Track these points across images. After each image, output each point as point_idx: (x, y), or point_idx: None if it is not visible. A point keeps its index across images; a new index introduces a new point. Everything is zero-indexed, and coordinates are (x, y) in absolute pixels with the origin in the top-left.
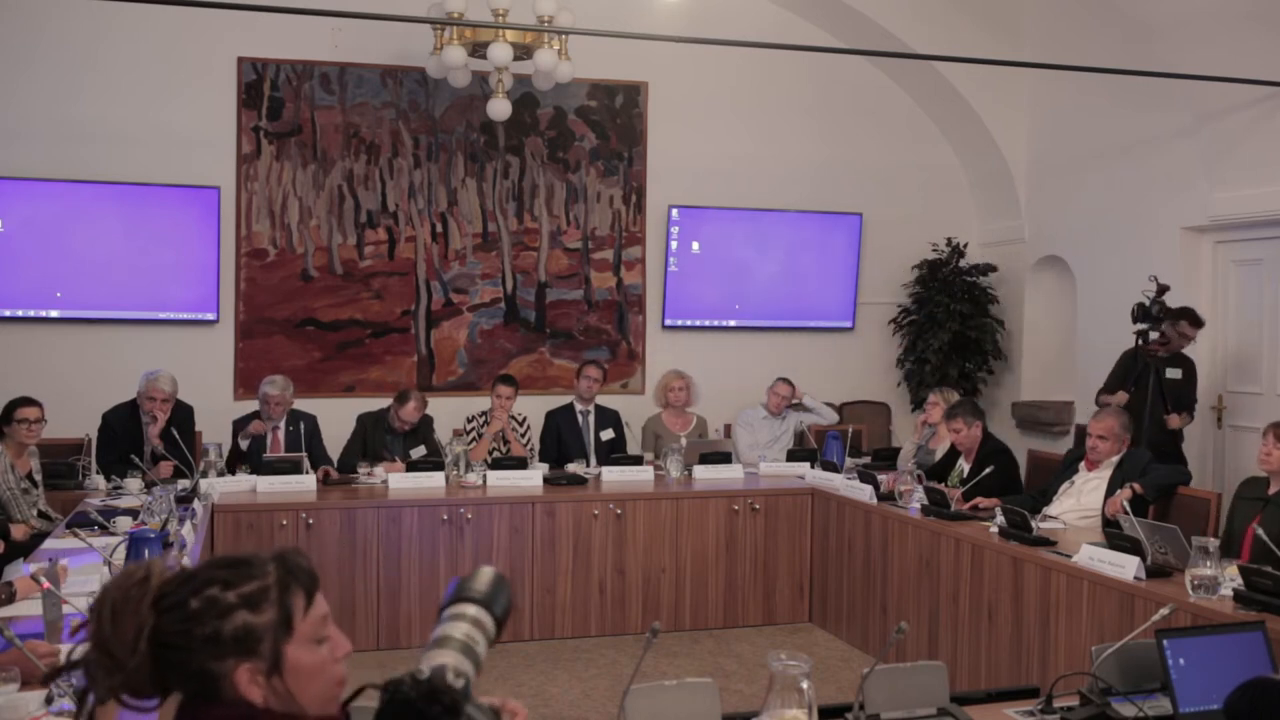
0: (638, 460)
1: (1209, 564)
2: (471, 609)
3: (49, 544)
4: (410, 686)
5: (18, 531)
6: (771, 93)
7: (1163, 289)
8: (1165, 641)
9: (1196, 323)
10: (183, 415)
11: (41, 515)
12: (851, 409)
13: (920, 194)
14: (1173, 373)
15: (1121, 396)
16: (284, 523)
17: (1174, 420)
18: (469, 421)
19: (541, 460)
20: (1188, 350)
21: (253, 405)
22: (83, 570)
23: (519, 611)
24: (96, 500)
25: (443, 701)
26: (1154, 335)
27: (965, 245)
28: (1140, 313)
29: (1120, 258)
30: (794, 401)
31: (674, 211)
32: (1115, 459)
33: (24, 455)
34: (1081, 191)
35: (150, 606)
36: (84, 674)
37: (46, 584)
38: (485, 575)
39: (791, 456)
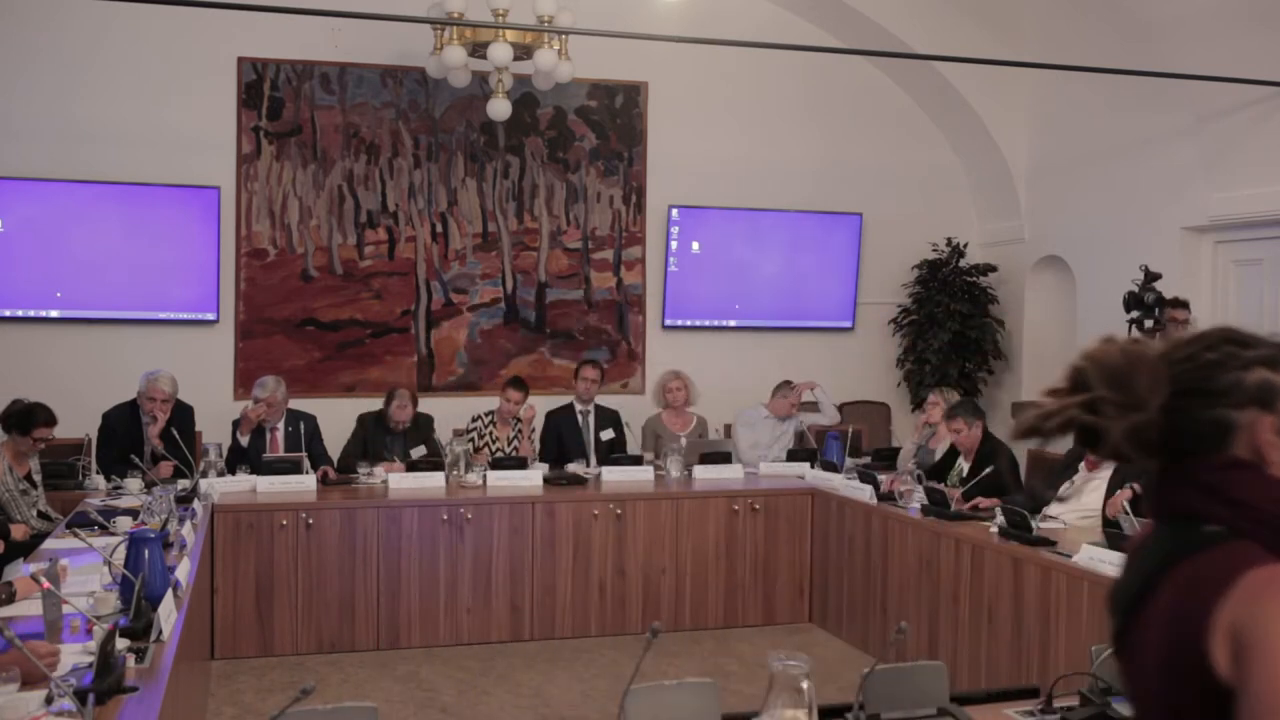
0: (638, 460)
1: None
2: None
3: (49, 544)
4: None
5: (17, 532)
6: (771, 92)
7: (1153, 276)
8: None
9: (1178, 304)
10: (183, 415)
11: (41, 515)
12: (851, 409)
13: (920, 194)
14: None
15: None
16: (284, 523)
17: None
18: (473, 421)
19: (542, 460)
20: None
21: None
22: (83, 570)
23: (518, 611)
24: (96, 500)
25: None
26: (1149, 323)
27: (965, 245)
28: (1132, 300)
29: (1120, 258)
30: (806, 388)
31: (674, 211)
32: None
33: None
34: (1081, 191)
35: (1159, 358)
36: (1088, 410)
37: (46, 584)
38: None
39: (791, 456)
